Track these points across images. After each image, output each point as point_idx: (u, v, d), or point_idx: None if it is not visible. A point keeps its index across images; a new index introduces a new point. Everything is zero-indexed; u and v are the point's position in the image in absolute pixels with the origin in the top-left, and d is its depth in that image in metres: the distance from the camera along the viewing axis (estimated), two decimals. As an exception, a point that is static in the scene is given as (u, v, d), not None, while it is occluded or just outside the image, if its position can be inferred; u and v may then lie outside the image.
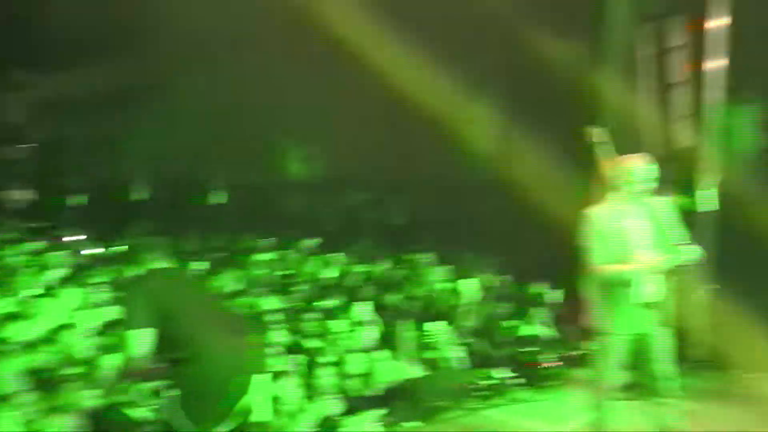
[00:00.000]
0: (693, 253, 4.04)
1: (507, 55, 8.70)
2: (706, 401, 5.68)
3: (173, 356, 3.20)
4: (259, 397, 3.89)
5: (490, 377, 6.02)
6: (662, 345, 4.12)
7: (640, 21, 7.27)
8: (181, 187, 14.83)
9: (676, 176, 7.31)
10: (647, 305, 4.05)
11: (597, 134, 4.83)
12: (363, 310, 6.31)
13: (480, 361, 6.53)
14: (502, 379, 6.05)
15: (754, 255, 6.63)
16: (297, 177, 17.13)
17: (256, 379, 3.48)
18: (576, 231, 4.08)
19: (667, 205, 4.15)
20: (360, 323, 6.16)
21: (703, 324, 6.86)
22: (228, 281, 7.10)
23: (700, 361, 6.80)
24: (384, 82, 9.18)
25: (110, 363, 4.67)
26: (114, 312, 4.70)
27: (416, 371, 5.93)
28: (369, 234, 11.73)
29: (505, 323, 7.30)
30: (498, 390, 5.96)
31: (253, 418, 3.63)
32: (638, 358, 4.19)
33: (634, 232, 4.00)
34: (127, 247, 7.14)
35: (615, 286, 4.01)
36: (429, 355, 6.22)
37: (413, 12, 9.39)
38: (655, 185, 3.94)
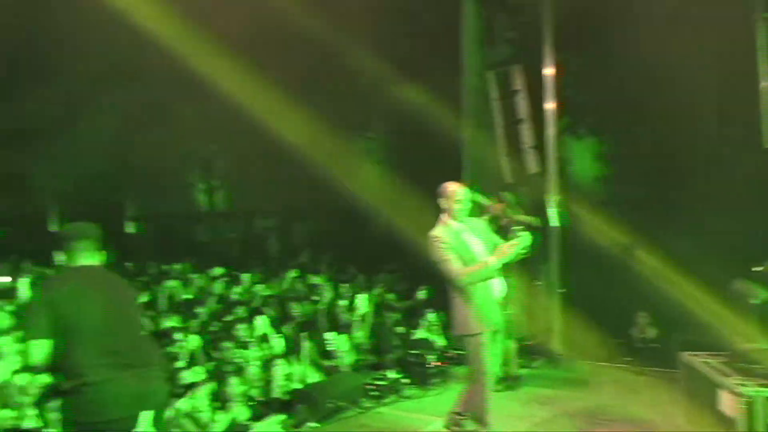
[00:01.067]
0: (526, 239, 4.59)
1: (381, 99, 9.53)
2: (563, 388, 6.69)
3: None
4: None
5: (382, 379, 6.47)
6: (512, 338, 4.94)
7: (490, 68, 8.28)
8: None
9: (528, 198, 8.41)
10: (499, 301, 4.75)
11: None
12: (264, 323, 6.73)
13: (374, 365, 7.10)
14: (393, 380, 6.52)
15: (591, 264, 7.65)
16: (206, 208, 17.45)
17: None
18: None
19: (481, 222, 5.01)
20: (263, 335, 6.57)
21: (556, 322, 7.92)
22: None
23: (556, 354, 7.80)
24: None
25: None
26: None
27: (316, 377, 6.42)
28: (273, 256, 12.24)
29: (395, 330, 7.94)
30: (390, 390, 6.40)
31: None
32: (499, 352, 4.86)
33: (473, 243, 4.75)
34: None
35: (473, 289, 4.62)
36: (328, 362, 6.71)
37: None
38: (471, 206, 4.67)
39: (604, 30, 7.38)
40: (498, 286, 4.81)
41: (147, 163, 14.84)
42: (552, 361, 7.71)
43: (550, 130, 7.77)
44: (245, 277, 9.13)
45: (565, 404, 6.24)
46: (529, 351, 7.89)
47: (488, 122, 8.36)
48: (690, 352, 5.48)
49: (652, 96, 7.35)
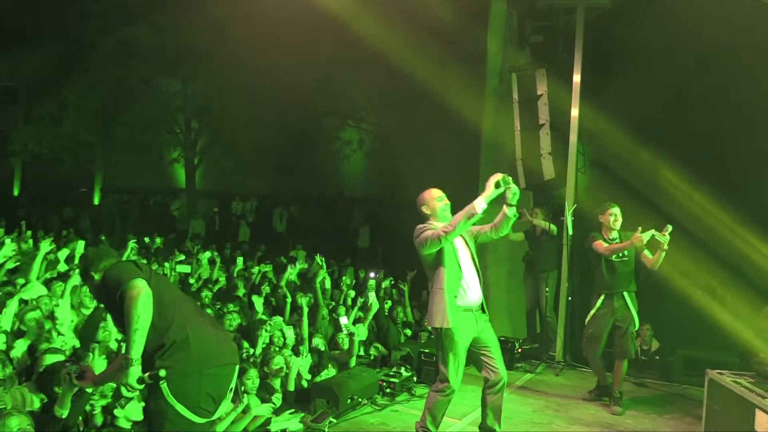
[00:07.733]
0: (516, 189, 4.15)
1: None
2: (571, 395, 6.52)
3: None
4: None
5: (395, 376, 6.14)
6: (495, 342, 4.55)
7: (514, 71, 7.93)
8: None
9: (542, 203, 8.15)
10: (476, 307, 4.46)
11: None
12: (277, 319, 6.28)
13: (384, 361, 6.82)
14: (406, 377, 6.19)
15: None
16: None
17: None
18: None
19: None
20: (281, 326, 6.12)
21: (560, 329, 7.68)
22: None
23: (558, 361, 7.64)
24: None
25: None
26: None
27: (332, 371, 6.06)
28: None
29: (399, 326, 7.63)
30: (402, 387, 6.09)
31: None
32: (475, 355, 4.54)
33: (459, 248, 4.47)
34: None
35: (448, 293, 4.35)
36: (337, 352, 6.37)
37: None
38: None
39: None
40: (476, 292, 4.49)
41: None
42: (553, 368, 7.48)
43: (573, 137, 7.50)
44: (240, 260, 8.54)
45: (577, 412, 6.01)
46: (532, 356, 7.69)
47: (507, 124, 8.03)
48: (716, 371, 5.28)
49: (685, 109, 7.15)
